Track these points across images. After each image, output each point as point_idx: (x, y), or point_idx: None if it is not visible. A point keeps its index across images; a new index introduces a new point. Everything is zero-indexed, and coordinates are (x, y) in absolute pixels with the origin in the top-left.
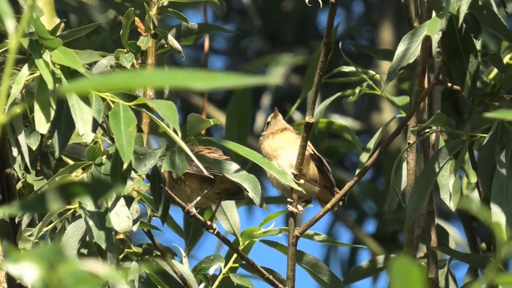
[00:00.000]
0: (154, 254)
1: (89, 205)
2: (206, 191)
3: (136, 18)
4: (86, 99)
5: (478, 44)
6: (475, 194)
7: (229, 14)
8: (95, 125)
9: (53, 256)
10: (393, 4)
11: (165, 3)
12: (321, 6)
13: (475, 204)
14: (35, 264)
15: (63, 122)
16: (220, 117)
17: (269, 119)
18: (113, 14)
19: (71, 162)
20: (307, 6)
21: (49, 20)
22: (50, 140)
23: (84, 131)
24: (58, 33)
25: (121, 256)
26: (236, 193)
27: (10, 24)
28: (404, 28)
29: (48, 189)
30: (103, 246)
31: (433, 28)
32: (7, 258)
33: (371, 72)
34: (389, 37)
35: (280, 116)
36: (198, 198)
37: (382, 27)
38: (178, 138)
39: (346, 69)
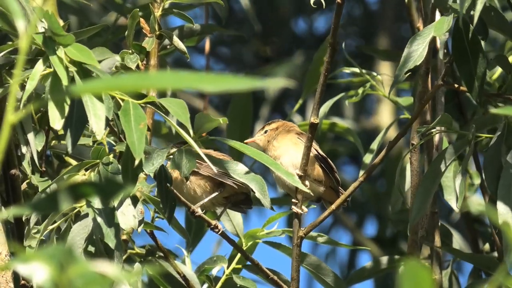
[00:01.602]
0: (157, 255)
1: (97, 203)
2: (215, 194)
3: (142, 19)
4: (99, 96)
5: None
6: (478, 195)
7: (228, 21)
8: (106, 122)
9: (63, 256)
10: (393, 8)
11: (167, 6)
12: (324, 7)
13: (481, 205)
14: (46, 265)
15: (75, 119)
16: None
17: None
18: (114, 17)
19: (74, 163)
20: (303, 12)
21: None
22: (54, 142)
23: (97, 128)
24: None
25: (124, 257)
26: (243, 202)
27: (20, 24)
28: (404, 33)
29: (58, 189)
30: (112, 244)
31: (440, 29)
32: (16, 258)
33: (374, 73)
34: (388, 41)
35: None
36: (206, 199)
37: (380, 33)
38: (187, 136)
39: (348, 70)
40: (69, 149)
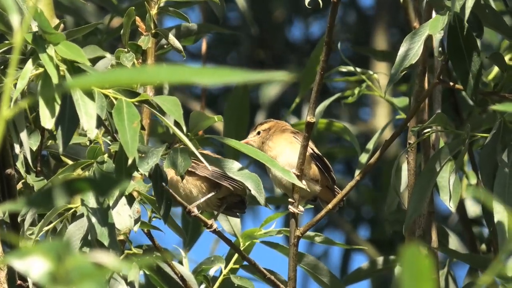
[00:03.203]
0: (154, 255)
1: (92, 203)
2: (211, 194)
3: (137, 18)
4: (90, 94)
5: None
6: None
7: (223, 26)
8: (99, 121)
9: (61, 249)
10: (388, 9)
11: (162, 4)
12: (321, 6)
13: (477, 192)
14: (43, 258)
15: (67, 118)
16: (217, 123)
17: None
18: (110, 16)
19: (70, 162)
20: (299, 17)
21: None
22: (50, 141)
23: (88, 126)
24: None
25: (121, 258)
26: (236, 206)
27: (15, 18)
28: (399, 34)
29: (53, 185)
30: (106, 243)
31: (435, 27)
32: (14, 252)
33: (370, 72)
34: (383, 44)
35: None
36: (202, 199)
37: (376, 34)
38: (181, 134)
39: (344, 69)
40: (61, 149)
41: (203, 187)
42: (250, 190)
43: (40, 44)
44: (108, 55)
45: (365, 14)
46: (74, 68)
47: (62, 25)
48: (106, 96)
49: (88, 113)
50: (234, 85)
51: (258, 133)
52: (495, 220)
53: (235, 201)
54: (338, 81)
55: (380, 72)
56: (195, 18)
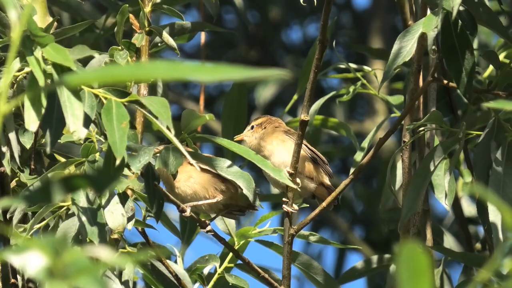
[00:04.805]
0: (149, 254)
1: (82, 202)
2: (211, 200)
3: (131, 15)
4: (77, 95)
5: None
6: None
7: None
8: (88, 121)
9: (58, 244)
10: (384, 9)
11: (158, 0)
12: (315, 5)
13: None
14: (41, 252)
15: (55, 118)
16: (215, 123)
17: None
18: (106, 14)
19: (63, 160)
20: (295, 18)
21: (41, 19)
22: (44, 139)
23: (75, 127)
24: (51, 31)
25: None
26: (239, 211)
27: (13, 14)
28: (396, 33)
29: (45, 182)
30: (96, 242)
31: (429, 25)
32: (9, 248)
33: (366, 68)
34: (379, 44)
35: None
36: (199, 202)
37: (372, 34)
38: (171, 135)
39: (342, 65)
40: (48, 149)
41: (211, 190)
42: (241, 189)
43: (28, 46)
44: (96, 54)
45: (360, 14)
46: (63, 70)
47: (55, 23)
48: (96, 96)
49: (74, 114)
50: (232, 84)
51: (252, 127)
52: (490, 218)
53: (238, 208)
54: (333, 78)
55: (377, 69)
56: (193, 18)
